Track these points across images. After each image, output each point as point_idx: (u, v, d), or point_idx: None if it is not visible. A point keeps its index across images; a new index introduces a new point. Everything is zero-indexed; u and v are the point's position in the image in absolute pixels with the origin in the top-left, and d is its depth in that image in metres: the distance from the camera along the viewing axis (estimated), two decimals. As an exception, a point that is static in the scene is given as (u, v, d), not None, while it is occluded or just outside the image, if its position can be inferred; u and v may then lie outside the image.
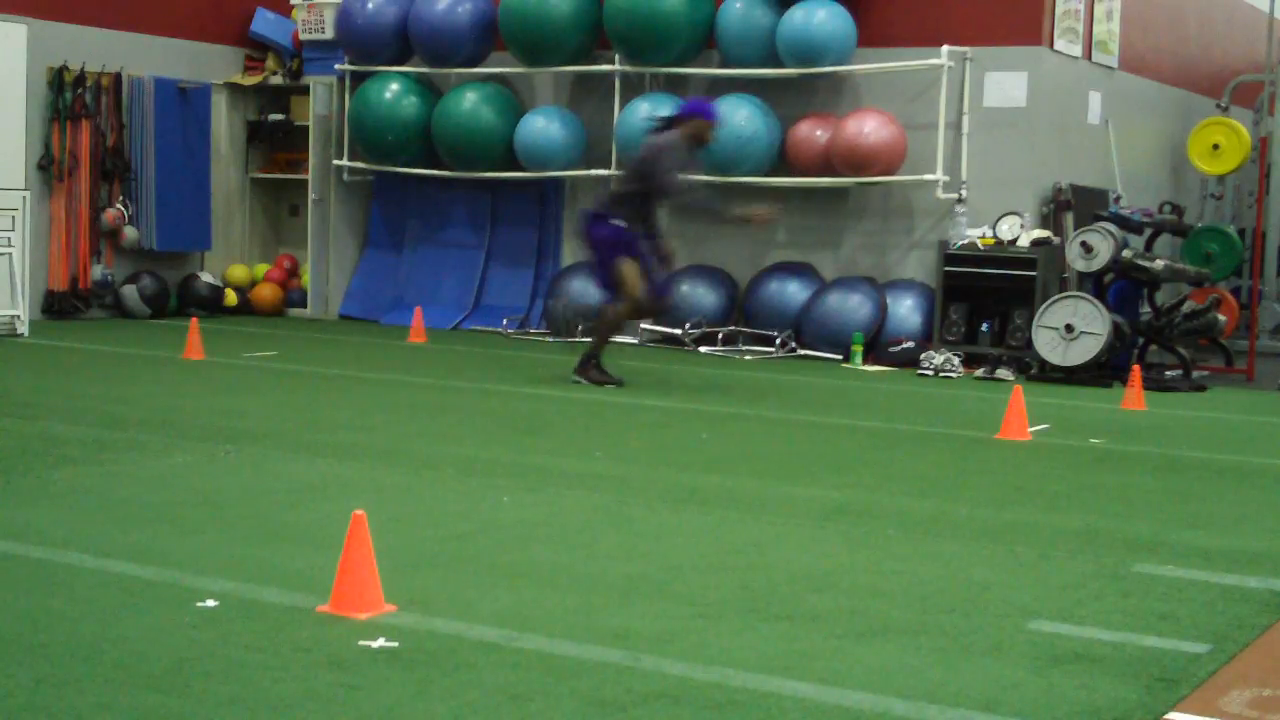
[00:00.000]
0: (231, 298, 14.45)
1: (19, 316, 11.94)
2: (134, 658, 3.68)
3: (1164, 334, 11.15)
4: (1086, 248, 10.92)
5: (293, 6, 14.74)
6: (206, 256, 14.53)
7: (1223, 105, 14.37)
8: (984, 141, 12.12)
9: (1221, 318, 11.44)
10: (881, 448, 7.69)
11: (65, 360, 10.53)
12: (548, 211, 13.95)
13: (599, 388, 9.54)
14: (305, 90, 14.61)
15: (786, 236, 12.95)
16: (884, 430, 8.27)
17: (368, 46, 13.99)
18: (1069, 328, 10.74)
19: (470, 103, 13.43)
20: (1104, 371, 10.88)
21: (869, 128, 11.95)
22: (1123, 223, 11.44)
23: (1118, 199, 12.31)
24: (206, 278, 14.20)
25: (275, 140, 15.05)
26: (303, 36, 14.65)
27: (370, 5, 13.86)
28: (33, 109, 13.08)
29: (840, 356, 11.91)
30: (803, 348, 12.20)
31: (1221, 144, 13.32)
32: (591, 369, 9.70)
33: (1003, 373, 11.00)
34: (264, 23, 14.84)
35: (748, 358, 12.02)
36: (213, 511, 5.44)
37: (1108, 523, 5.79)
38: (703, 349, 12.41)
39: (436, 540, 5.10)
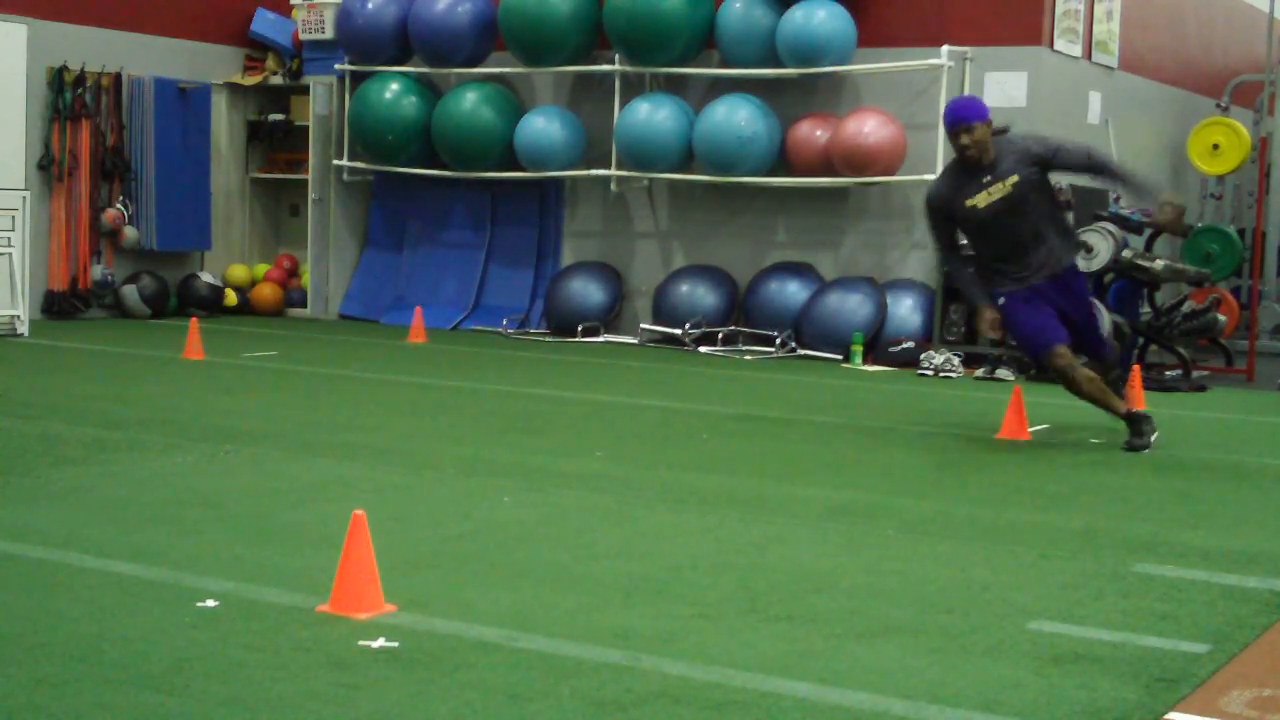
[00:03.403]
0: (231, 298, 14.45)
1: (19, 316, 11.94)
2: (134, 658, 3.68)
3: (1164, 334, 11.14)
4: (1086, 248, 10.91)
5: (293, 6, 14.73)
6: (206, 256, 14.53)
7: (1223, 105, 14.37)
8: (984, 141, 12.09)
9: (1221, 318, 11.43)
10: (881, 448, 7.68)
11: (65, 360, 10.53)
12: (548, 211, 13.94)
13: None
14: (305, 90, 14.61)
15: (786, 236, 12.94)
16: (884, 430, 8.26)
17: (368, 46, 13.98)
18: (1069, 328, 10.72)
19: (470, 103, 13.43)
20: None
21: (869, 128, 11.94)
22: (1123, 223, 11.42)
23: (1118, 199, 12.30)
24: (206, 278, 14.20)
25: (275, 140, 15.04)
26: (303, 36, 14.65)
27: (370, 5, 13.85)
28: (33, 109, 13.08)
29: (840, 356, 11.90)
30: (803, 348, 12.19)
31: (1221, 144, 13.31)
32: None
33: (1003, 373, 11.00)
34: (264, 23, 14.84)
35: (748, 358, 12.01)
36: (213, 511, 5.44)
37: (1108, 523, 5.78)
38: (703, 349, 12.40)
39: (436, 540, 5.10)
